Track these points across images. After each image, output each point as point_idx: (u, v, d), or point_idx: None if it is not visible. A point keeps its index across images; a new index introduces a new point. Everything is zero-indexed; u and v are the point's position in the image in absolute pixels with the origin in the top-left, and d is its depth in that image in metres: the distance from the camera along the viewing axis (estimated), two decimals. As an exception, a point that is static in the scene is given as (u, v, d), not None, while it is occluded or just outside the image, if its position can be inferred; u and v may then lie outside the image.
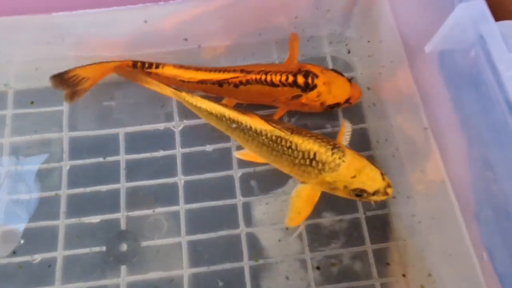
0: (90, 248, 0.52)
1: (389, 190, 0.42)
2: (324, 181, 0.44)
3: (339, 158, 0.43)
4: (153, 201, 0.54)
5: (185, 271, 0.51)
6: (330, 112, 0.55)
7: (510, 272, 0.31)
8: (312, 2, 0.52)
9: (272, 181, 0.55)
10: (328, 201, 0.53)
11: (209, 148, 0.56)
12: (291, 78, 0.50)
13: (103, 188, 0.55)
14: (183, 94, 0.50)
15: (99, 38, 0.53)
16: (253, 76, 0.51)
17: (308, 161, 0.44)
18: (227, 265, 0.51)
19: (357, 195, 0.44)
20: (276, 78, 0.50)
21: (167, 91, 0.51)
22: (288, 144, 0.45)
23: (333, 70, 0.52)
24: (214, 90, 0.54)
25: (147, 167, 0.56)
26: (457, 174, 0.38)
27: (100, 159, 0.56)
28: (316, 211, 0.53)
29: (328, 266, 0.51)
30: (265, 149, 0.47)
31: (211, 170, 0.55)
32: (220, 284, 0.50)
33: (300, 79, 0.50)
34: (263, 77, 0.50)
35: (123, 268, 0.51)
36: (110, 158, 0.56)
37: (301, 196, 0.47)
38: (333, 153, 0.44)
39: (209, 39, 0.56)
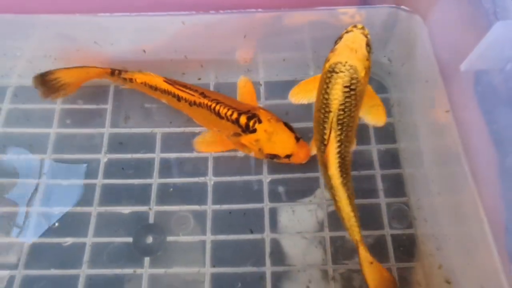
0: (117, 238, 0.54)
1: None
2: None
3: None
4: (182, 199, 0.56)
5: (207, 270, 0.52)
6: (272, 161, 0.55)
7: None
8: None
9: (300, 190, 0.56)
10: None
11: (241, 153, 0.58)
12: (235, 116, 0.52)
13: (136, 181, 0.57)
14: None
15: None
16: (206, 101, 0.53)
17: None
18: (249, 268, 0.51)
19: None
20: (223, 111, 0.52)
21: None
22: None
23: (285, 123, 0.53)
24: (174, 102, 0.57)
25: (179, 166, 0.58)
26: (487, 187, 0.38)
27: (137, 155, 0.59)
28: (342, 225, 0.54)
29: (350, 280, 0.50)
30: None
31: (240, 174, 0.57)
32: (239, 286, 0.50)
33: (243, 119, 0.52)
34: (213, 105, 0.53)
35: (147, 260, 0.52)
36: (146, 155, 0.59)
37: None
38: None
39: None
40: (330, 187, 0.45)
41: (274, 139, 0.52)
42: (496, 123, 0.37)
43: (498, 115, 0.36)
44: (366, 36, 0.44)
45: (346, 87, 0.43)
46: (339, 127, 0.44)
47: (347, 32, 0.45)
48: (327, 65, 0.44)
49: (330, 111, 0.44)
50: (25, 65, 0.61)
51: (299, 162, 0.53)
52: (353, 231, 0.45)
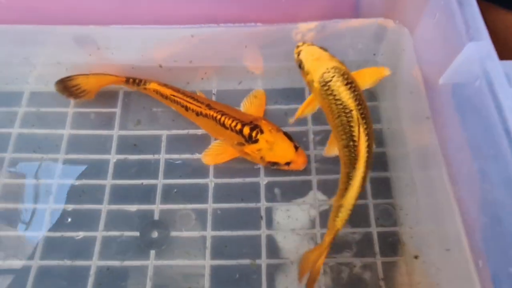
0: (125, 232, 0.58)
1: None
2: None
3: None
4: (185, 197, 0.60)
5: (207, 262, 0.56)
6: (271, 168, 0.59)
7: (501, 271, 0.35)
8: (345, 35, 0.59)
9: (294, 191, 0.60)
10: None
11: (240, 157, 0.62)
12: (239, 127, 0.56)
13: (144, 181, 0.62)
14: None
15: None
16: (212, 112, 0.58)
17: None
18: (246, 261, 0.56)
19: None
20: (227, 122, 0.57)
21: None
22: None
23: (285, 133, 0.57)
24: (182, 111, 0.62)
25: (183, 167, 0.62)
26: (462, 188, 0.43)
27: (143, 156, 0.63)
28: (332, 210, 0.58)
29: (339, 272, 0.55)
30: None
31: (239, 176, 0.61)
32: (237, 276, 0.55)
33: (246, 130, 0.56)
34: (219, 116, 0.57)
35: (152, 252, 0.57)
36: (151, 156, 0.63)
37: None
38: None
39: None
40: (348, 179, 0.47)
41: (275, 148, 0.56)
42: (467, 131, 0.41)
43: (469, 124, 0.41)
44: (314, 44, 0.49)
45: (346, 84, 0.46)
46: (364, 121, 0.46)
47: (299, 54, 0.49)
48: (316, 85, 0.48)
49: (351, 110, 0.46)
50: (40, 71, 0.66)
51: (298, 169, 0.58)
52: (341, 221, 0.47)
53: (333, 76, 0.47)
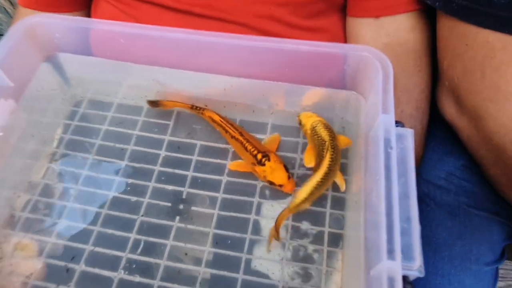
0: (162, 202, 0.87)
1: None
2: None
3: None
4: (205, 186, 0.89)
5: (212, 230, 0.84)
6: (268, 185, 0.86)
7: (372, 247, 0.61)
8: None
9: (279, 195, 0.87)
10: (308, 216, 0.85)
11: (246, 166, 0.91)
12: (255, 152, 0.84)
13: (177, 171, 0.92)
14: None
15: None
16: (241, 138, 0.86)
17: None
18: (236, 234, 0.83)
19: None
20: (249, 147, 0.85)
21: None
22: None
23: (284, 165, 0.84)
24: (223, 132, 0.91)
25: (208, 167, 0.92)
26: (366, 200, 0.69)
27: (182, 155, 0.94)
28: (300, 219, 0.85)
29: (298, 251, 0.81)
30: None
31: (246, 178, 0.89)
32: (229, 242, 0.83)
33: (259, 156, 0.83)
34: (244, 142, 0.85)
35: (177, 218, 0.85)
36: (188, 156, 0.93)
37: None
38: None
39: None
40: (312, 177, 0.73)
41: (274, 173, 0.83)
42: (372, 167, 0.68)
43: (374, 163, 0.68)
44: (309, 111, 0.82)
45: (326, 127, 0.80)
46: (332, 150, 0.77)
47: (299, 116, 0.85)
48: (308, 130, 0.81)
49: (325, 141, 0.78)
50: (126, 90, 0.99)
51: (287, 192, 0.85)
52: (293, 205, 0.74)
53: (319, 123, 0.80)
